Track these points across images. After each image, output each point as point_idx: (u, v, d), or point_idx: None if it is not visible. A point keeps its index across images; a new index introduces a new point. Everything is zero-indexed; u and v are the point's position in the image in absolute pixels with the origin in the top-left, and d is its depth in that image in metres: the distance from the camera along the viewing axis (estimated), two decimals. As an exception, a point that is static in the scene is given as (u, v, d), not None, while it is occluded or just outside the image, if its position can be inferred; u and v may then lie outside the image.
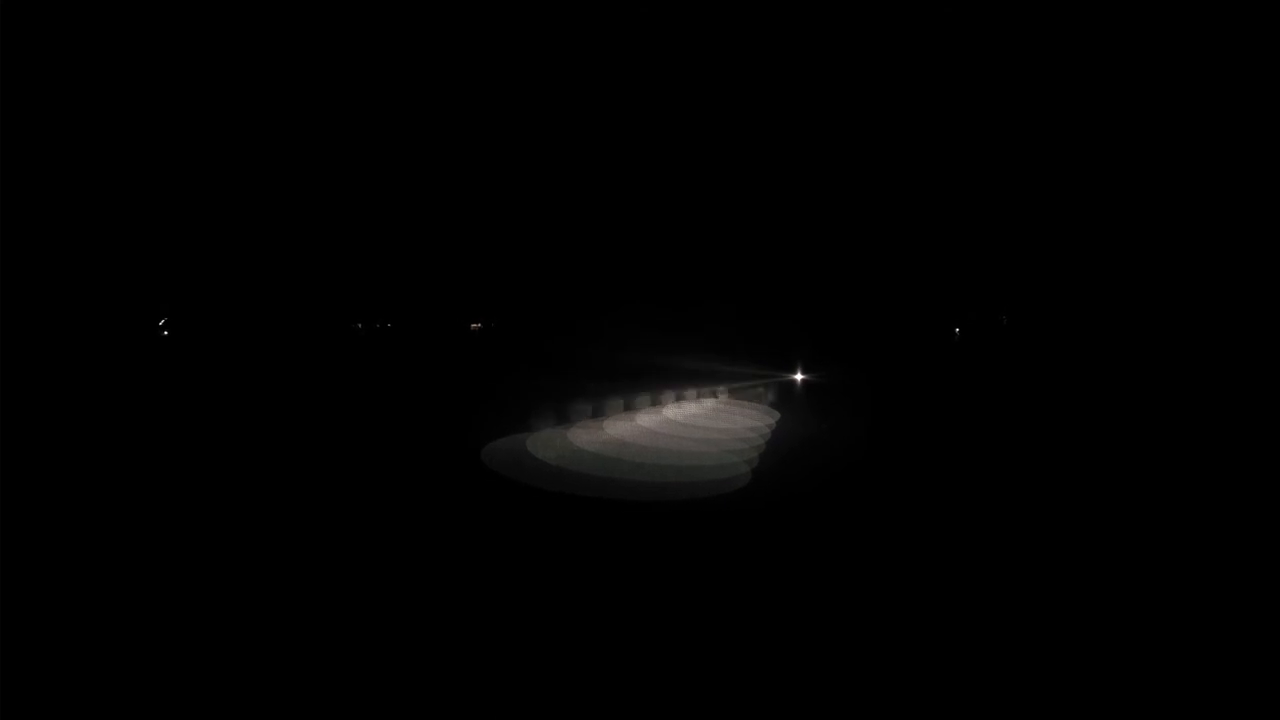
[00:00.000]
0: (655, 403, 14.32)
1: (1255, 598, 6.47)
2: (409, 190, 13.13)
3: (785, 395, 14.50)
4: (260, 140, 11.70)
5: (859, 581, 6.85)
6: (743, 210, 12.52)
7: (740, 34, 10.07)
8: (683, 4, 9.81)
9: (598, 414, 13.40)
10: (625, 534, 8.08)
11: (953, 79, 9.24)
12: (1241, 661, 5.47)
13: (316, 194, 12.57)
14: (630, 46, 10.29)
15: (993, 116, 9.32)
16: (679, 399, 14.62)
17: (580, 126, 12.07)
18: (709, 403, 14.84)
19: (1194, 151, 8.34)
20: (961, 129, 9.54)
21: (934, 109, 9.58)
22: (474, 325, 15.56)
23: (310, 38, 10.28)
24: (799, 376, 14.41)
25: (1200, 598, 6.49)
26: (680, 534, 8.14)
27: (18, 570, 6.47)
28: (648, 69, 10.93)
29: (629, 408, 13.94)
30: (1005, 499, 8.94)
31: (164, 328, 11.99)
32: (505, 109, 11.94)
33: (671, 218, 12.95)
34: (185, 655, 5.29)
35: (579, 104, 11.74)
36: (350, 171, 12.59)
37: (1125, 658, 5.51)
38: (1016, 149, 9.37)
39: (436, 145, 12.52)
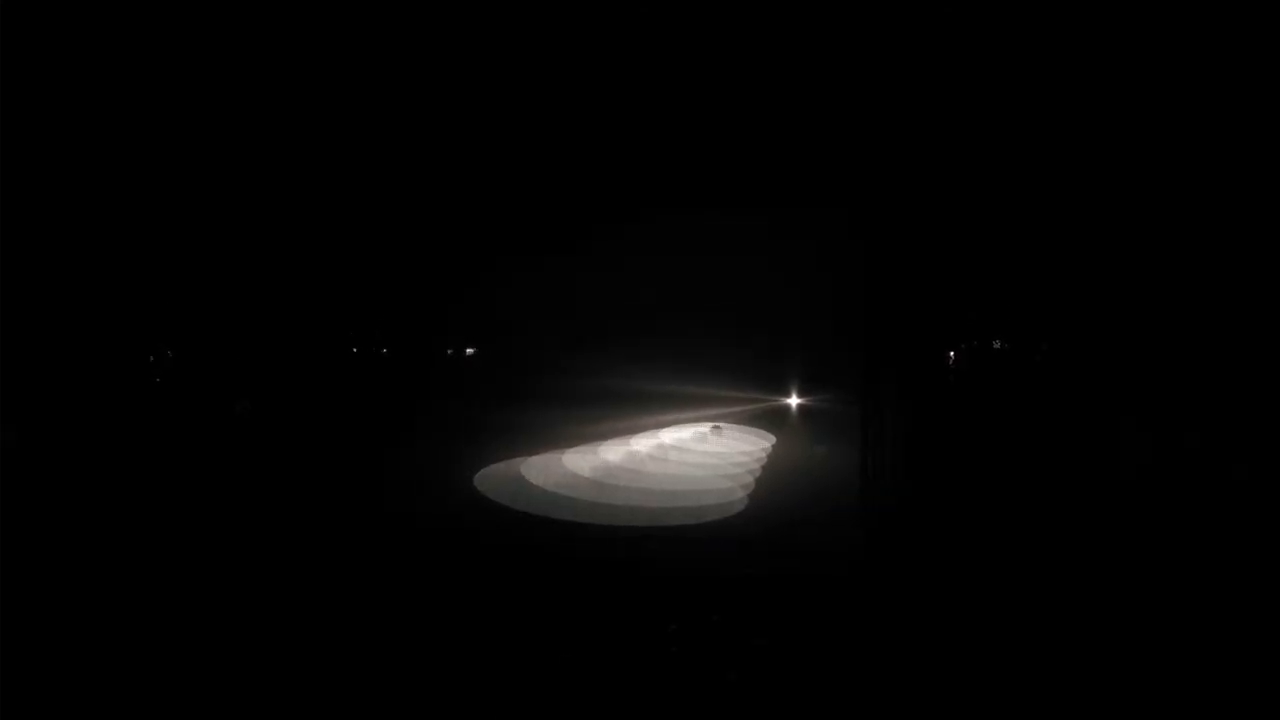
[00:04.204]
0: (650, 427, 14.30)
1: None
2: (406, 217, 13.22)
3: (779, 419, 14.49)
4: (253, 165, 11.78)
5: (858, 608, 6.81)
6: (734, 231, 12.61)
7: (711, 74, 10.25)
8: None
9: (592, 439, 13.37)
10: (620, 560, 8.02)
11: (953, 91, 9.30)
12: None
13: (316, 221, 12.65)
14: (608, 71, 10.42)
15: (988, 136, 9.40)
16: (673, 424, 14.61)
17: (570, 155, 12.19)
18: (703, 427, 14.83)
19: (1195, 174, 8.38)
20: (956, 151, 9.62)
21: (930, 127, 9.65)
22: (469, 351, 15.59)
23: (307, 56, 10.40)
24: (793, 400, 14.42)
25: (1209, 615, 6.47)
26: (675, 559, 8.10)
27: (18, 572, 6.44)
28: (635, 99, 11.08)
29: (624, 433, 13.91)
30: (1004, 522, 8.91)
31: (164, 350, 11.98)
32: (495, 137, 12.06)
33: (661, 240, 13.03)
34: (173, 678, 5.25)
35: (567, 133, 11.87)
36: (350, 198, 12.67)
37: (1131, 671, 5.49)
38: (1012, 169, 9.45)
39: (431, 174, 12.63)
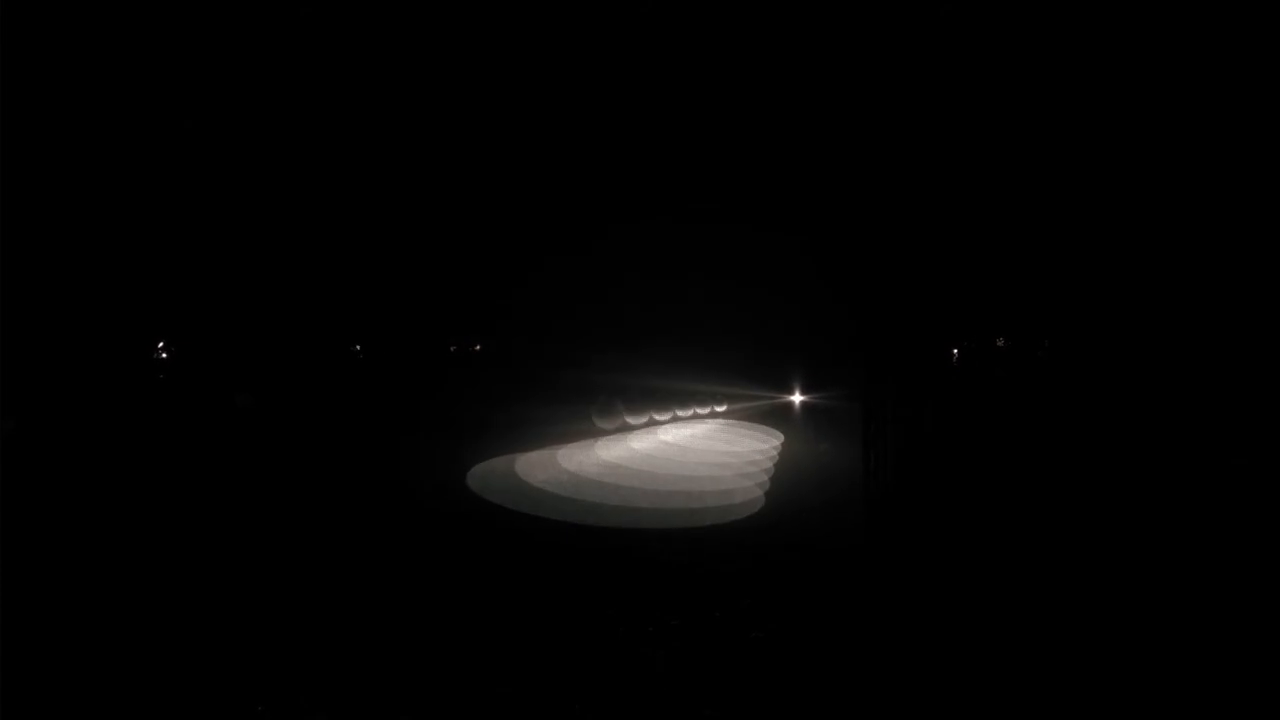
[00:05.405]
0: (652, 423, 14.20)
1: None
2: (407, 212, 13.23)
3: (783, 417, 14.32)
4: (259, 161, 11.83)
5: (856, 603, 6.70)
6: (738, 226, 12.54)
7: (710, 73, 10.22)
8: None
9: (592, 435, 13.29)
10: (618, 560, 7.92)
11: (953, 91, 9.20)
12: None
13: (316, 215, 12.68)
14: (613, 65, 10.40)
15: (990, 137, 9.29)
16: (677, 419, 14.50)
17: (574, 148, 12.16)
18: (709, 424, 14.71)
19: (1193, 172, 8.26)
20: (958, 150, 9.52)
21: (931, 128, 9.55)
22: (475, 348, 15.57)
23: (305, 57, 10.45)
24: (797, 398, 14.24)
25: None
26: (679, 558, 7.99)
27: (18, 563, 6.49)
28: (641, 103, 11.06)
29: (626, 428, 13.83)
30: (1011, 518, 8.75)
31: (162, 348, 12.07)
32: (500, 132, 12.04)
33: (662, 240, 12.99)
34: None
35: (573, 126, 11.84)
36: (352, 192, 12.70)
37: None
38: (1015, 167, 9.34)
39: (433, 166, 12.62)
